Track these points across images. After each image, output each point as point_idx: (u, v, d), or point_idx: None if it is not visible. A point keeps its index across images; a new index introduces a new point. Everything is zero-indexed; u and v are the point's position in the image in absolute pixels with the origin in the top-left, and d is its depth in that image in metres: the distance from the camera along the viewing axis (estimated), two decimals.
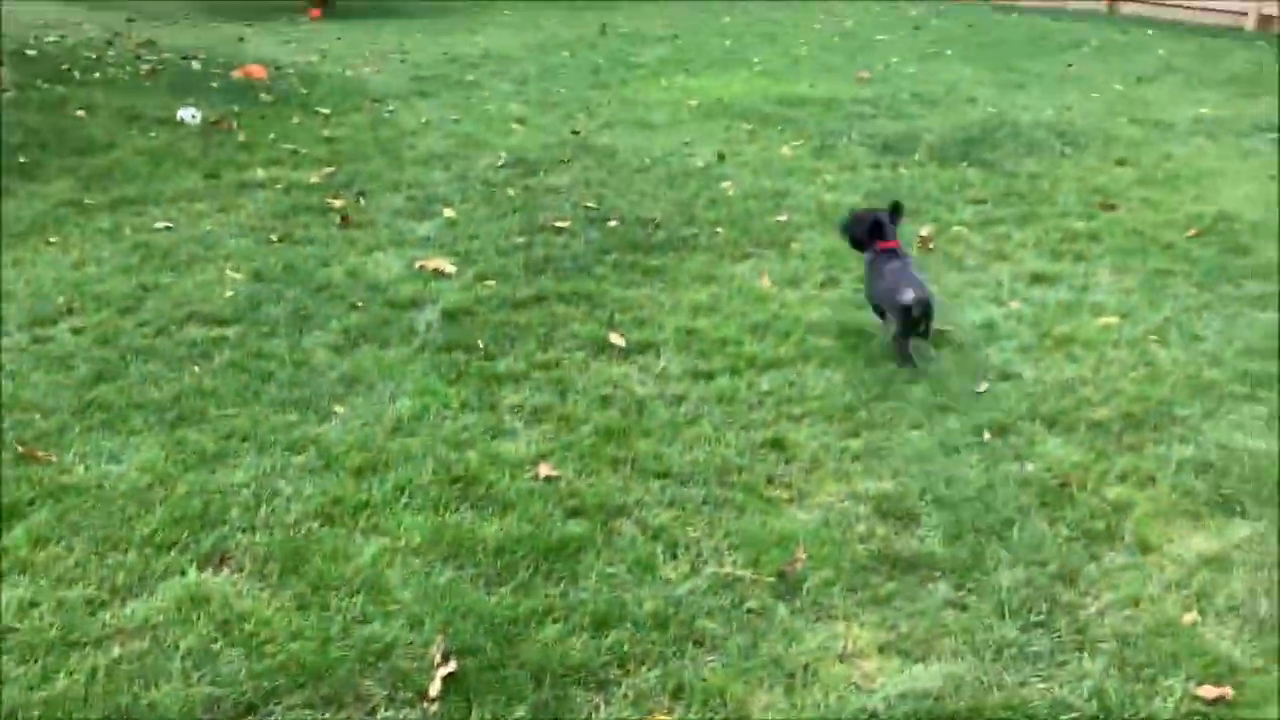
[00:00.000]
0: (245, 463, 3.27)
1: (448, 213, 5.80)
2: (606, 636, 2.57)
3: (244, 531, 2.93)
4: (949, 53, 12.05)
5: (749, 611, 2.69)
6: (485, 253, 5.20)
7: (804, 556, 2.86)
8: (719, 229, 5.62)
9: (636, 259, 5.14)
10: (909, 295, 3.92)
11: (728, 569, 2.84)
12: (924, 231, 5.57)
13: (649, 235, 5.50)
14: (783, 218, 5.83)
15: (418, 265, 4.98)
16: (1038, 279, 4.98)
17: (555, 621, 2.62)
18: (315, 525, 2.97)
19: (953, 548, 2.94)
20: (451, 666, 2.42)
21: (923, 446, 3.46)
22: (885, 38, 13.38)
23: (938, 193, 6.36)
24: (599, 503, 3.11)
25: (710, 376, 3.93)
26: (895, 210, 4.28)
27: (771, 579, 2.79)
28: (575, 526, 3.00)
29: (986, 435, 3.54)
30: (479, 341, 4.18)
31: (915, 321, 3.95)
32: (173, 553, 2.83)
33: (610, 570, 2.83)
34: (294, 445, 3.37)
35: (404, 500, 3.10)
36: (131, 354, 3.95)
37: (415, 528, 2.96)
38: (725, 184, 6.49)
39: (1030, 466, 3.37)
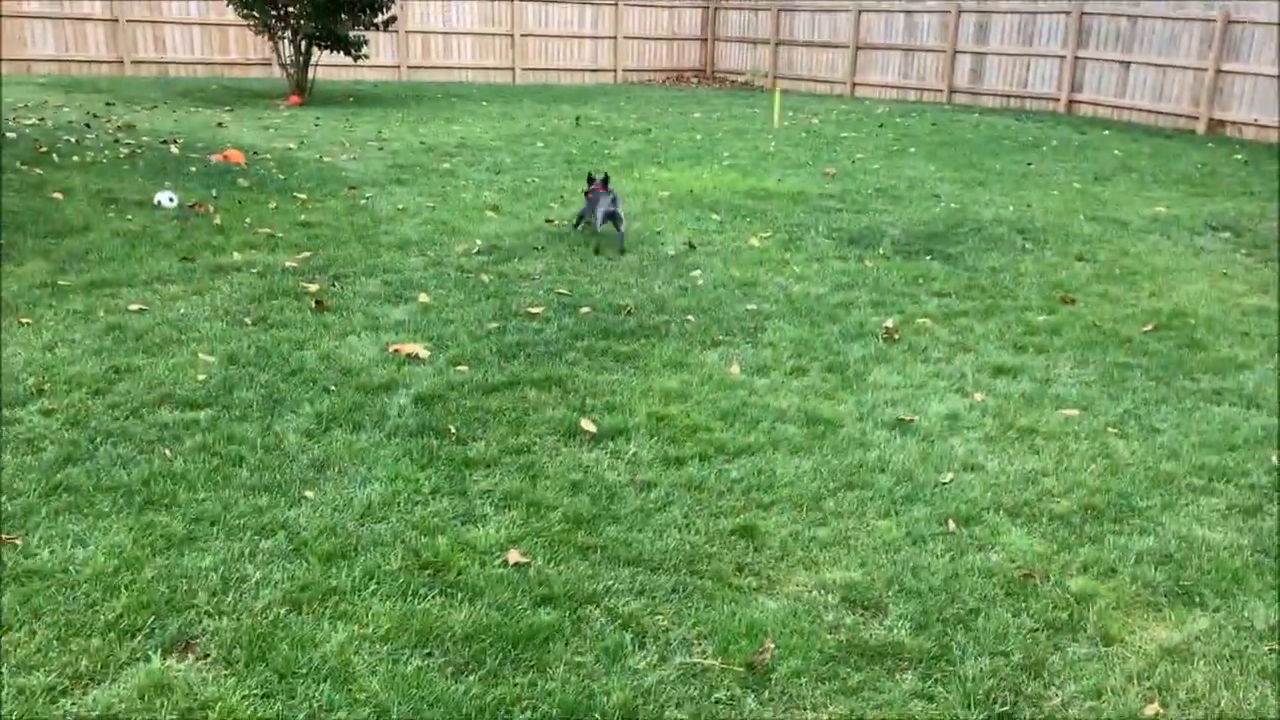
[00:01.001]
0: (214, 547, 3.25)
1: (422, 298, 5.86)
2: None
3: (210, 617, 2.91)
4: (912, 150, 12.42)
5: (717, 702, 2.69)
6: (459, 338, 5.25)
7: (772, 646, 2.88)
8: (689, 317, 5.72)
9: (608, 345, 5.22)
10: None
11: (696, 658, 2.85)
12: (889, 323, 5.69)
13: (621, 322, 5.59)
14: (752, 306, 5.95)
15: (391, 350, 5.02)
16: (1000, 371, 5.10)
17: (523, 712, 2.61)
18: (283, 611, 2.95)
19: (919, 638, 2.97)
20: None
21: (890, 536, 3.51)
22: (850, 135, 13.79)
23: (902, 285, 6.52)
24: (568, 590, 3.12)
25: (680, 463, 3.98)
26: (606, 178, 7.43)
27: (740, 669, 2.80)
28: (544, 614, 3.00)
29: (951, 525, 3.59)
30: (451, 426, 4.21)
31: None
32: (137, 639, 2.80)
33: (579, 659, 2.83)
34: (263, 530, 3.36)
35: (373, 586, 3.09)
36: (101, 436, 3.94)
37: (383, 614, 2.95)
38: (695, 273, 6.62)
39: (994, 557, 3.42)
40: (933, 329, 5.69)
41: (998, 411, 4.60)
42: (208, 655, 2.76)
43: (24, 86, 14.63)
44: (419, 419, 4.27)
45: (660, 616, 3.03)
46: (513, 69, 20.93)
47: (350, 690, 2.64)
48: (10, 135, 9.43)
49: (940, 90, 19.01)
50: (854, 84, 20.36)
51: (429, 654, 2.81)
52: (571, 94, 18.43)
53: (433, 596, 3.06)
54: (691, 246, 7.31)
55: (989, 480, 3.95)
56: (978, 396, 4.75)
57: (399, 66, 19.85)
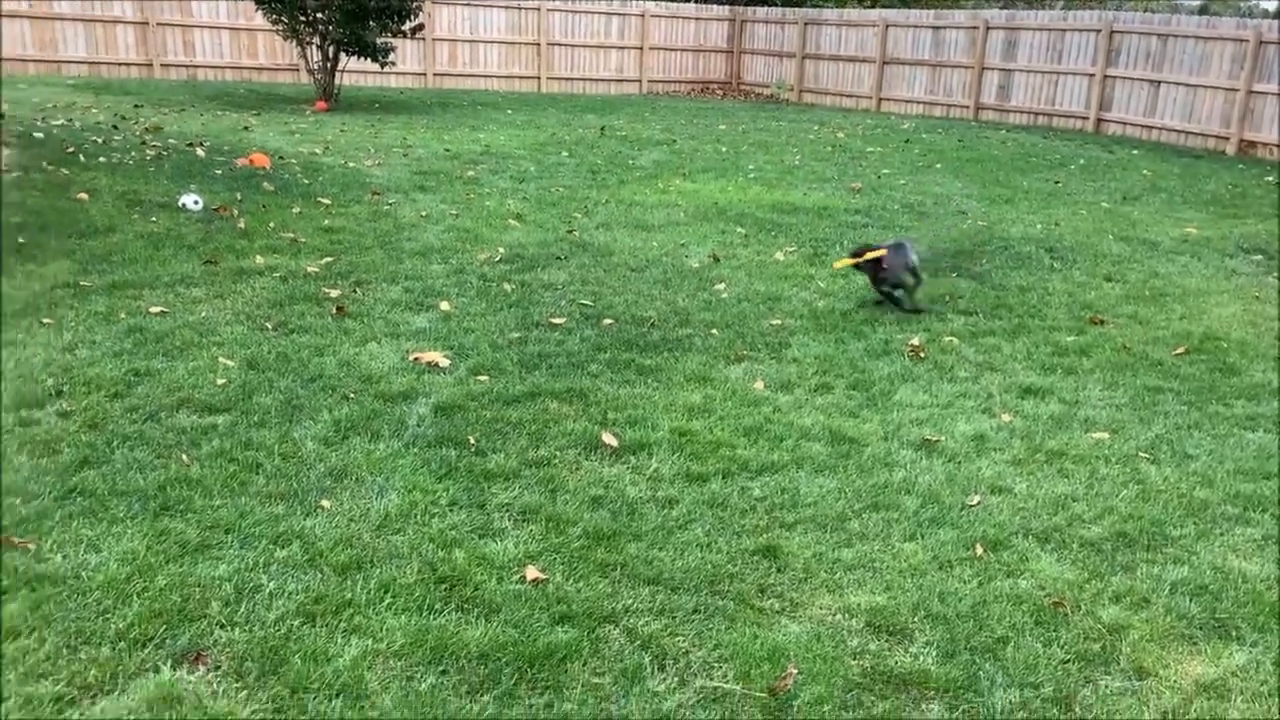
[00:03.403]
0: (228, 555, 3.21)
1: (444, 306, 5.82)
2: None
3: (223, 628, 2.86)
4: (939, 166, 12.33)
5: None
6: (480, 347, 5.20)
7: (795, 672, 2.80)
8: (713, 331, 5.66)
9: (631, 358, 5.16)
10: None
11: (717, 682, 2.78)
12: (914, 341, 5.61)
13: (644, 335, 5.53)
14: (776, 321, 5.88)
15: (412, 358, 4.98)
16: (1028, 392, 5.00)
17: None
18: (296, 624, 2.90)
19: (946, 666, 2.89)
20: None
21: (915, 560, 3.42)
22: (877, 150, 13.70)
23: (928, 303, 6.43)
24: (587, 609, 3.06)
25: (703, 480, 3.91)
26: None
27: (762, 694, 2.73)
28: (562, 633, 2.93)
29: (979, 550, 3.51)
30: (470, 437, 4.15)
31: None
32: (148, 649, 2.76)
33: (597, 680, 2.76)
34: (279, 539, 3.31)
35: (388, 600, 3.04)
36: (119, 440, 3.91)
37: (398, 629, 2.90)
38: (720, 286, 6.55)
39: (1023, 584, 3.33)
40: (959, 348, 5.60)
41: (1026, 433, 4.51)
42: (219, 667, 2.71)
43: (54, 87, 14.75)
44: (438, 429, 4.22)
45: (680, 638, 2.96)
46: (538, 78, 20.96)
47: (363, 707, 2.59)
48: (38, 135, 9.47)
49: (967, 106, 18.90)
50: (880, 99, 20.27)
51: (444, 671, 2.75)
52: (597, 104, 18.43)
53: (448, 612, 3.00)
54: (716, 260, 7.25)
55: (1017, 504, 3.86)
56: (1005, 417, 4.66)
57: (425, 74, 19.91)
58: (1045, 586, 3.32)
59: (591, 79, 21.58)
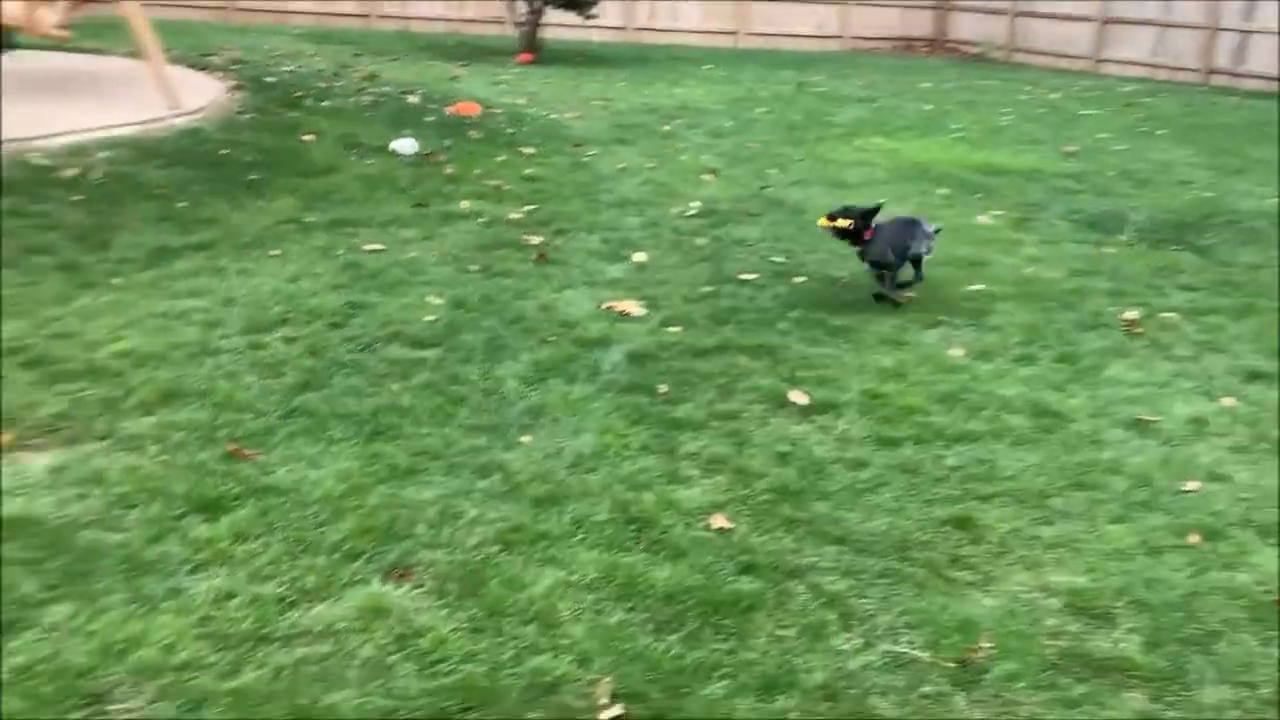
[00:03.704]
0: (434, 481, 3.37)
1: (638, 257, 5.90)
2: (774, 701, 2.51)
3: (427, 548, 3.02)
4: (1162, 132, 11.50)
5: (924, 696, 2.57)
6: (672, 299, 5.25)
7: (988, 645, 2.72)
8: (909, 294, 5.50)
9: (822, 317, 5.09)
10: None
11: (904, 648, 2.73)
12: (1130, 315, 5.29)
13: (835, 294, 5.44)
14: (978, 287, 5.66)
15: (606, 306, 5.07)
16: (1255, 376, 4.64)
17: (722, 678, 2.57)
18: (494, 550, 3.03)
19: (1151, 656, 2.74)
20: (618, 710, 2.41)
21: (1122, 543, 3.25)
22: (1093, 112, 12.91)
23: (1146, 276, 6.04)
24: (772, 562, 3.06)
25: (894, 444, 3.83)
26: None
27: (951, 664, 2.67)
28: (747, 583, 2.95)
29: (1193, 538, 3.30)
30: (660, 386, 4.20)
31: None
32: (359, 561, 2.94)
33: (780, 632, 2.76)
34: (481, 469, 3.46)
35: (580, 535, 3.13)
36: (337, 367, 4.16)
37: (590, 564, 2.98)
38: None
39: (1241, 577, 3.11)
40: (1179, 325, 5.25)
41: (1251, 419, 4.19)
42: (423, 585, 2.86)
43: (281, 36, 15.67)
44: (630, 376, 4.29)
45: (867, 600, 2.92)
46: (736, 33, 20.73)
47: (554, 635, 2.68)
48: (270, 80, 10.10)
49: (1196, 70, 17.50)
50: (1098, 60, 19.03)
51: (631, 608, 2.81)
52: (795, 60, 18.09)
53: (637, 551, 3.07)
54: None
55: (1237, 493, 3.60)
56: (1227, 402, 4.35)
57: (625, 28, 20.03)
58: (1265, 582, 3.09)
59: (791, 35, 21.17)
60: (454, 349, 4.43)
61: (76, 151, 6.72)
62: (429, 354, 4.37)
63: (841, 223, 5.25)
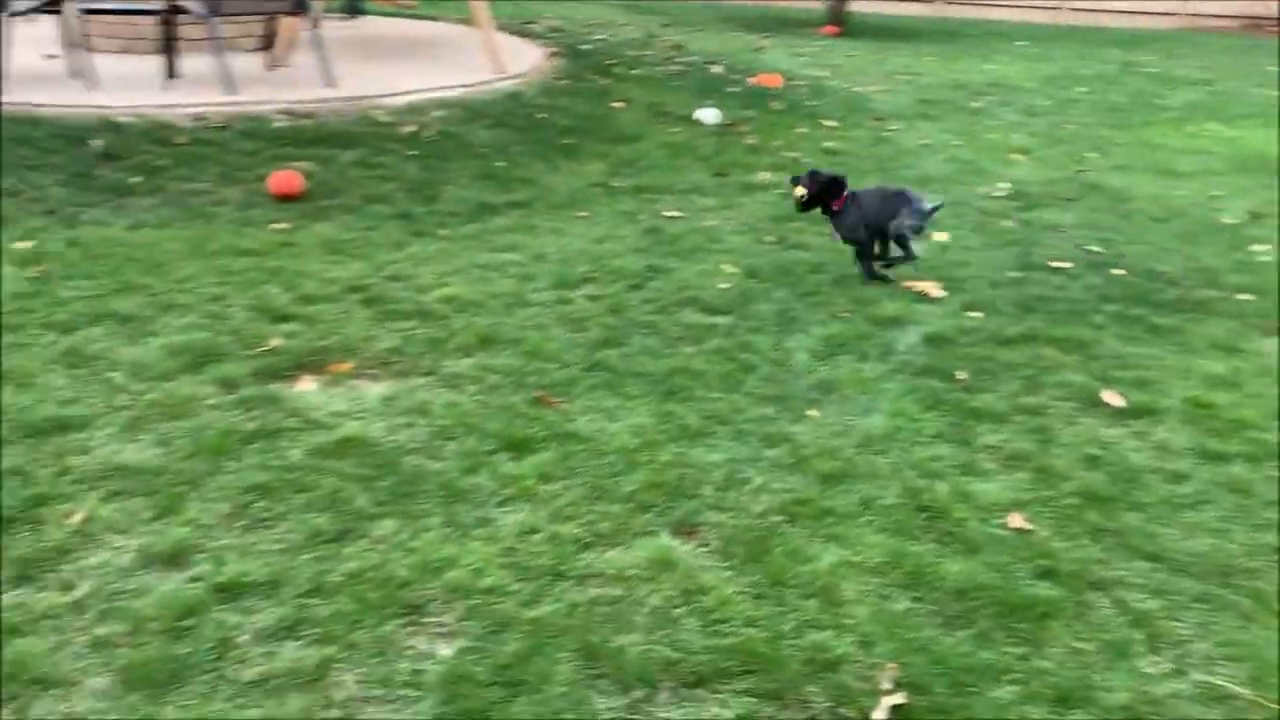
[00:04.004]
0: (721, 445, 3.42)
1: (939, 237, 5.68)
2: (1068, 715, 2.37)
3: (713, 509, 3.07)
4: None
5: None
6: (974, 283, 5.02)
7: None
8: (1246, 296, 4.97)
9: (1142, 314, 4.70)
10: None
11: (1221, 681, 2.50)
12: None
13: (1159, 291, 5.00)
14: None
15: (904, 285, 4.92)
16: None
17: (1012, 683, 2.45)
18: (779, 520, 3.03)
19: None
20: (901, 698, 2.36)
21: None
22: None
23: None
24: (1074, 570, 2.87)
25: (1222, 459, 3.48)
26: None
27: (1276, 707, 2.41)
28: (1045, 589, 2.79)
29: None
30: (959, 373, 4.04)
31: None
32: (649, 514, 3.03)
33: (1079, 645, 2.60)
34: (768, 439, 3.47)
35: (867, 516, 3.07)
36: (635, 327, 4.30)
37: (875, 546, 2.92)
38: (1258, 247, 5.73)
39: None
40: None
41: None
42: (708, 545, 2.91)
43: (596, 6, 16.27)
44: (926, 359, 4.15)
45: (1180, 624, 2.69)
46: (1057, 8, 19.43)
47: (837, 613, 2.65)
48: (585, 48, 10.53)
49: None
50: None
51: (918, 598, 2.74)
52: (1121, 38, 16.73)
53: (927, 540, 2.98)
54: (1254, 217, 6.34)
55: None
56: None
57: (935, 1, 19.28)
58: None
59: (1116, 10, 19.59)
60: (746, 317, 4.46)
61: (414, 110, 7.30)
62: (721, 320, 4.42)
63: (798, 191, 4.85)
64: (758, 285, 4.84)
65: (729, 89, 9.39)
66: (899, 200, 4.85)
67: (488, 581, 2.68)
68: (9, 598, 2.53)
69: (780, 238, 5.54)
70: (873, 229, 4.90)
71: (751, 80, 9.83)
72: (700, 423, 3.55)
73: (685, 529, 2.98)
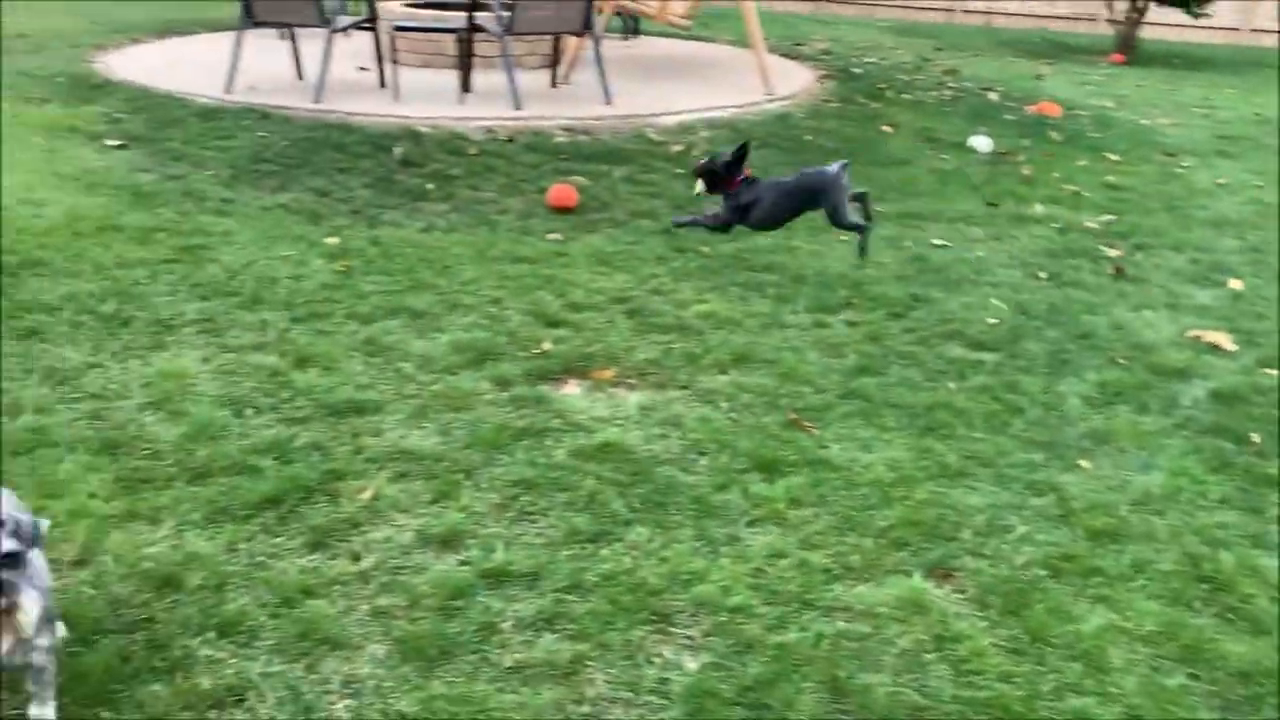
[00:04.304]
0: (982, 489, 3.29)
1: (1234, 285, 5.24)
2: None
3: (971, 555, 2.96)
4: None
5: None
6: (1272, 336, 4.60)
7: None
8: None
9: None
10: None
11: None
12: None
13: None
14: None
15: (1191, 334, 4.57)
16: None
17: None
18: (1042, 573, 2.89)
19: None
20: None
21: None
22: None
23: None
24: None
25: None
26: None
27: None
28: None
29: None
30: (1252, 434, 3.71)
31: None
32: (902, 552, 2.96)
33: None
34: (1033, 486, 3.31)
35: (1140, 581, 2.88)
36: (894, 356, 4.21)
37: (1148, 614, 2.73)
38: None
39: None
40: None
41: None
42: (964, 591, 2.81)
43: (866, 28, 16.07)
44: (1214, 416, 3.84)
45: None
46: None
47: (1102, 680, 2.50)
48: (856, 71, 10.43)
49: None
50: None
51: (1194, 675, 2.53)
52: None
53: (1207, 614, 2.75)
54: None
55: None
56: None
57: (1240, 29, 17.73)
58: None
59: None
60: (1014, 356, 4.28)
61: (684, 129, 7.47)
62: (988, 357, 4.26)
63: (697, 188, 5.17)
64: (1028, 323, 4.63)
65: (1005, 116, 9.03)
66: (824, 181, 5.03)
67: (735, 600, 2.71)
68: (305, 561, 2.80)
69: (1054, 274, 5.27)
70: (774, 209, 5.13)
71: (1030, 108, 9.40)
72: (961, 462, 3.44)
73: (940, 572, 2.89)
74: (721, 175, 5.09)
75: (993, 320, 4.61)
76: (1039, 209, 6.39)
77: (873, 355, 4.21)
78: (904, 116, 8.54)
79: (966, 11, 18.42)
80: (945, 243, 5.66)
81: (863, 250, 5.18)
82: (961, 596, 2.79)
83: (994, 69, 12.17)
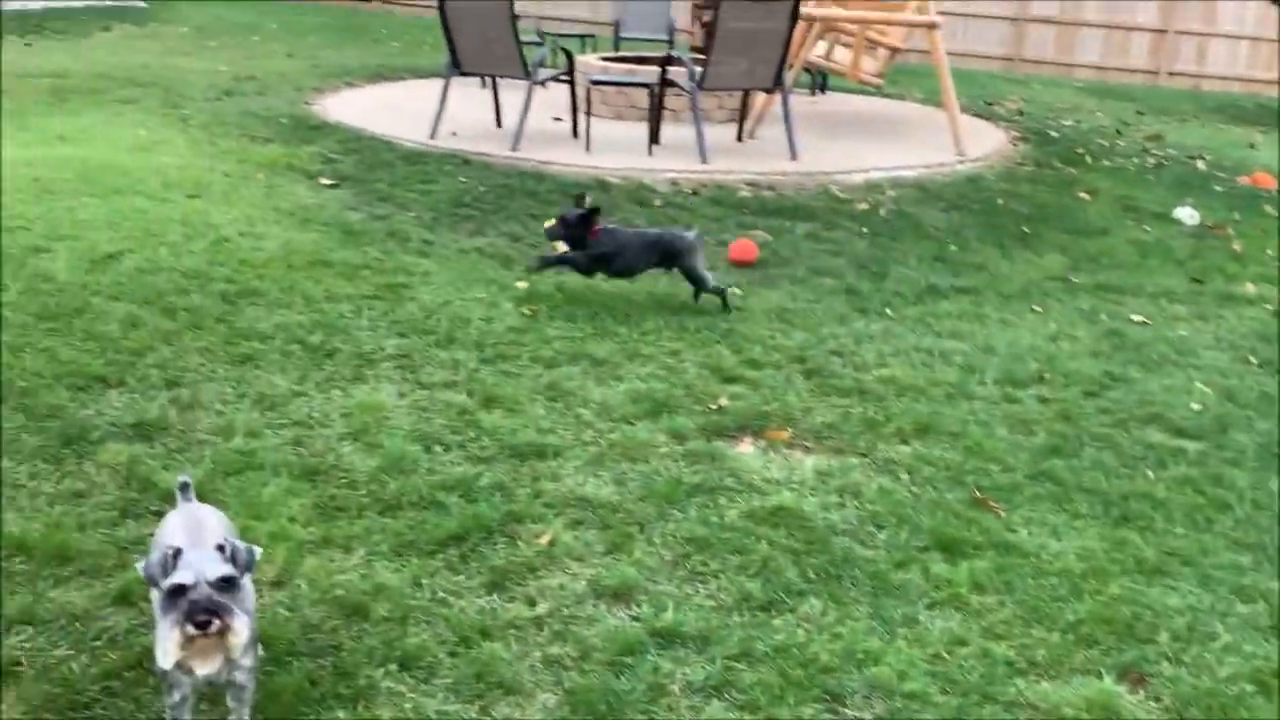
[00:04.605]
0: (1183, 589, 3.09)
1: None
2: None
3: (1168, 661, 2.77)
4: None
5: None
6: None
7: None
8: None
9: None
10: None
11: None
12: None
13: None
14: None
15: None
16: None
17: None
18: (1248, 688, 2.68)
19: None
20: None
21: None
22: None
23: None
24: None
25: None
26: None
27: None
28: None
29: None
30: None
31: None
32: (1092, 650, 2.80)
33: None
34: (1241, 591, 3.08)
35: None
36: (1088, 438, 4.02)
37: None
38: None
39: None
40: None
41: None
42: (1159, 699, 2.64)
43: (1063, 89, 15.55)
44: None
45: None
46: None
47: None
48: (1052, 134, 10.09)
49: None
50: None
51: None
52: None
53: None
54: None
55: None
56: None
57: None
58: None
59: None
60: (1220, 447, 4.01)
61: (870, 187, 7.40)
62: (1190, 446, 4.01)
63: (559, 248, 5.18)
64: (1237, 411, 4.33)
65: (1214, 187, 8.55)
66: (672, 243, 5.11)
67: (911, 686, 2.62)
68: (484, 601, 2.87)
69: (1267, 359, 4.93)
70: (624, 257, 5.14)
71: (1241, 179, 8.87)
72: (1159, 558, 3.23)
73: (1134, 676, 2.72)
74: (577, 229, 5.13)
75: (1196, 406, 4.34)
76: (1250, 288, 6.00)
77: (1065, 435, 4.03)
78: (1103, 183, 8.20)
79: (1172, 74, 17.58)
80: (1145, 319, 5.38)
81: (725, 306, 5.17)
82: (1157, 705, 2.61)
83: (1201, 135, 11.55)
